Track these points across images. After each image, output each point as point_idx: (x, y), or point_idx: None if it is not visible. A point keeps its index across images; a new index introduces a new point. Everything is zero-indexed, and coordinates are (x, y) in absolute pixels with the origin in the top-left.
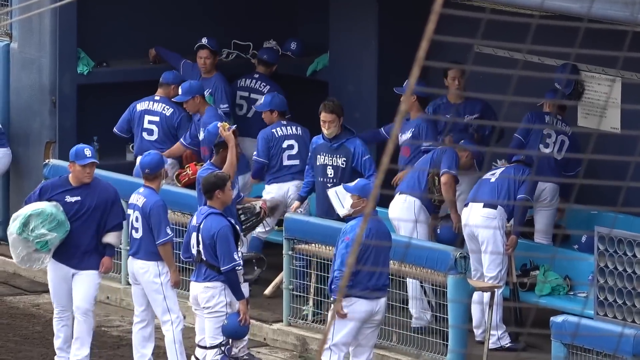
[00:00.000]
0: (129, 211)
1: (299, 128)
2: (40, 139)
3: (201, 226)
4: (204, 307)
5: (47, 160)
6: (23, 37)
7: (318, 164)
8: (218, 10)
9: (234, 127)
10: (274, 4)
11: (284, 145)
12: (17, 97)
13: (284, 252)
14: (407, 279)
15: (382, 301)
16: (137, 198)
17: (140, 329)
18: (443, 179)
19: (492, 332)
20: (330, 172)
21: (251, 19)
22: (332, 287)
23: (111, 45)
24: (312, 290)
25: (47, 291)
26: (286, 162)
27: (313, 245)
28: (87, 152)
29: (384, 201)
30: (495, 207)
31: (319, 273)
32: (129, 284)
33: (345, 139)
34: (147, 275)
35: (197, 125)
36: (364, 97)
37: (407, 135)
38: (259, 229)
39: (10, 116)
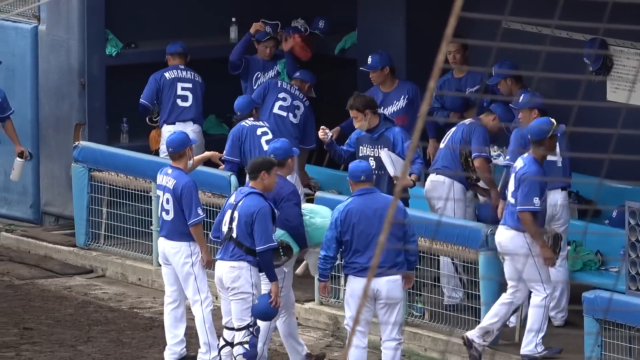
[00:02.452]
0: (159, 192)
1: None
2: (70, 121)
3: (239, 204)
4: (229, 288)
5: (76, 143)
6: (51, 19)
7: (361, 155)
8: None
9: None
10: None
11: None
12: (46, 80)
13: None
14: (440, 256)
15: (382, 280)
16: (167, 180)
17: (172, 309)
18: (476, 163)
19: (519, 310)
20: (372, 163)
21: None
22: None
23: (139, 26)
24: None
25: (79, 274)
26: None
27: None
28: None
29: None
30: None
31: None
32: (160, 265)
33: (385, 128)
34: (178, 255)
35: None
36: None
37: (401, 102)
38: None
39: (39, 99)
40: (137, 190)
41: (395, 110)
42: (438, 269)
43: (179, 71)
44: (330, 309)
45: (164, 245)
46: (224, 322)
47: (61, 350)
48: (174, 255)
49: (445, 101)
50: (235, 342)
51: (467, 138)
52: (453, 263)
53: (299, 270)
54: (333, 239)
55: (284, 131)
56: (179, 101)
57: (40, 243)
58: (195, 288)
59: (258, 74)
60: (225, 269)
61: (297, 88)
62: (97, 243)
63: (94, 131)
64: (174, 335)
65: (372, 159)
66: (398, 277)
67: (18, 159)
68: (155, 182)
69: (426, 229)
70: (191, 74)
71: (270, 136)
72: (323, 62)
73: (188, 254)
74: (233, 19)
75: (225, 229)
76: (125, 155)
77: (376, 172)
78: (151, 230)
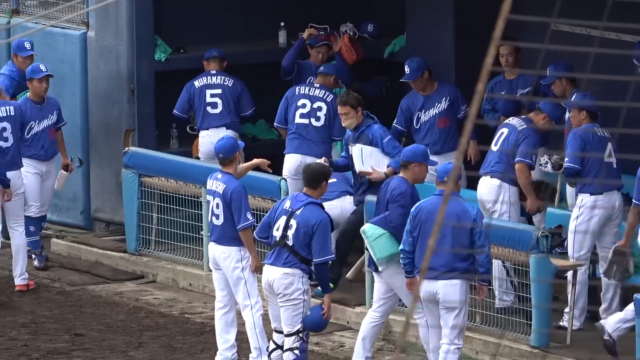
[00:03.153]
0: (209, 197)
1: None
2: (120, 127)
3: (298, 212)
4: (280, 294)
5: (126, 148)
6: (100, 26)
7: (349, 154)
8: None
9: None
10: None
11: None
12: (95, 86)
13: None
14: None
15: (440, 283)
16: (217, 185)
17: (223, 314)
18: (517, 166)
19: (570, 311)
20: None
21: (327, 1)
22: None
23: (188, 32)
24: None
25: (130, 279)
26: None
27: None
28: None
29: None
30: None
31: None
32: (210, 270)
33: (365, 126)
34: (228, 260)
35: None
36: (441, 78)
37: (443, 104)
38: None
39: (89, 105)
40: (187, 196)
41: (437, 112)
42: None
43: (208, 77)
44: None
45: (214, 250)
46: (273, 326)
47: (112, 356)
48: (224, 260)
49: (496, 103)
50: (285, 348)
51: (516, 142)
52: (504, 266)
53: (349, 275)
54: (408, 232)
55: (309, 138)
56: (208, 108)
57: (91, 249)
58: (246, 293)
59: (311, 79)
60: (277, 274)
61: (318, 87)
62: (148, 249)
63: (143, 137)
64: (225, 340)
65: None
66: (456, 281)
67: (62, 171)
68: (205, 187)
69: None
70: (221, 79)
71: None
72: (372, 65)
73: (238, 259)
74: (282, 24)
75: (278, 234)
76: (175, 160)
77: (353, 167)
78: (201, 235)
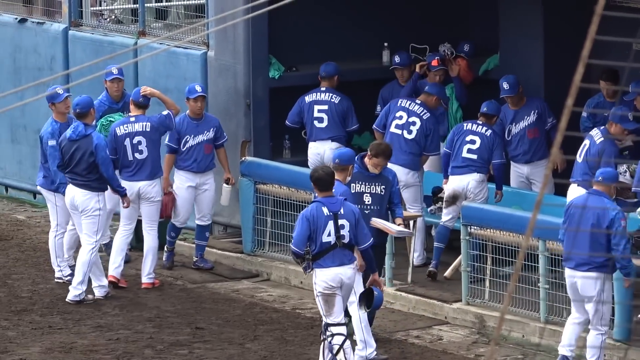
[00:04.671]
0: None
1: (489, 130)
2: (237, 139)
3: (341, 212)
4: (343, 288)
5: (243, 158)
6: (219, 46)
7: (354, 192)
8: (396, 15)
9: None
10: (447, 9)
11: (467, 139)
12: (215, 101)
13: (461, 237)
14: None
15: (579, 274)
16: None
17: None
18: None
19: None
20: (368, 199)
21: (426, 23)
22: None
23: (300, 51)
24: (488, 272)
25: (246, 278)
26: (465, 154)
27: (488, 230)
28: None
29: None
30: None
31: (494, 256)
32: None
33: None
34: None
35: None
36: (531, 94)
37: (532, 117)
38: (445, 218)
39: None
40: (299, 201)
41: (527, 124)
42: None
43: (317, 94)
44: (476, 308)
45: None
46: (339, 319)
47: (230, 348)
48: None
49: (598, 121)
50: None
51: (598, 153)
52: None
53: (447, 273)
54: (562, 224)
55: (399, 148)
56: (315, 122)
57: (211, 250)
58: (352, 290)
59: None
60: (349, 272)
61: (419, 103)
62: (263, 250)
63: (259, 147)
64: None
65: (368, 195)
66: (592, 274)
67: (225, 185)
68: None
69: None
70: (329, 96)
71: None
72: (468, 83)
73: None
74: (385, 44)
75: (331, 238)
76: (287, 169)
77: (372, 207)
78: None
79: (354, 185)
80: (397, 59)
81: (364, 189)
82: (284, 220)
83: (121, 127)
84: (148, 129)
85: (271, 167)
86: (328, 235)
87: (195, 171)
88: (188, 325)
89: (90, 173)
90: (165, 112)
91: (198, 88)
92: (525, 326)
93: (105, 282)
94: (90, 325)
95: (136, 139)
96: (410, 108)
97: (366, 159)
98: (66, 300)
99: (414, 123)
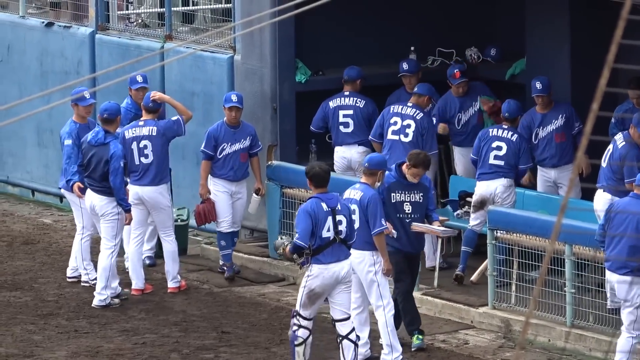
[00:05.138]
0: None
1: (514, 134)
2: (263, 142)
3: (338, 207)
4: (348, 281)
5: (270, 162)
6: (246, 50)
7: (393, 201)
8: (423, 19)
9: None
10: (474, 13)
11: (493, 145)
12: None
13: (488, 241)
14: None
15: (614, 276)
16: (355, 193)
17: (356, 314)
18: (627, 186)
19: None
20: (408, 208)
21: (453, 27)
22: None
23: (326, 55)
24: (514, 276)
25: (272, 282)
26: (492, 161)
27: (514, 234)
28: None
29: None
30: None
31: (520, 260)
32: None
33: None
34: (362, 264)
35: None
36: (558, 98)
37: (560, 121)
38: (473, 222)
39: None
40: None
41: (554, 128)
42: (602, 275)
43: (342, 99)
44: (502, 312)
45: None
46: (312, 317)
47: (256, 352)
48: (358, 264)
49: (626, 128)
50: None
51: (623, 158)
52: None
53: (474, 277)
54: (601, 226)
55: (400, 153)
56: (341, 127)
57: (237, 254)
58: (378, 294)
59: (459, 115)
60: (345, 267)
61: (411, 105)
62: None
63: (285, 152)
64: (359, 337)
65: (408, 203)
66: (627, 278)
67: (254, 195)
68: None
69: (590, 240)
70: (353, 100)
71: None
72: (495, 87)
73: (371, 263)
74: (412, 48)
75: (330, 234)
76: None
77: (412, 215)
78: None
79: (394, 195)
80: (404, 66)
81: (403, 198)
82: None
83: (130, 130)
84: (154, 134)
85: (298, 171)
86: (327, 231)
87: (232, 180)
88: (214, 329)
89: (105, 180)
90: (175, 118)
91: (234, 97)
92: (552, 330)
93: (115, 283)
94: (117, 329)
95: (142, 143)
96: (403, 112)
97: (404, 168)
98: (92, 305)
99: (408, 126)
